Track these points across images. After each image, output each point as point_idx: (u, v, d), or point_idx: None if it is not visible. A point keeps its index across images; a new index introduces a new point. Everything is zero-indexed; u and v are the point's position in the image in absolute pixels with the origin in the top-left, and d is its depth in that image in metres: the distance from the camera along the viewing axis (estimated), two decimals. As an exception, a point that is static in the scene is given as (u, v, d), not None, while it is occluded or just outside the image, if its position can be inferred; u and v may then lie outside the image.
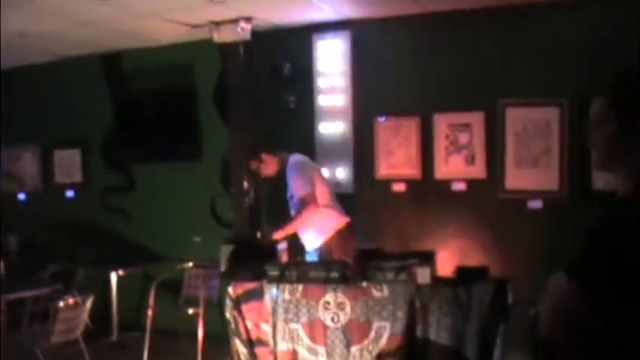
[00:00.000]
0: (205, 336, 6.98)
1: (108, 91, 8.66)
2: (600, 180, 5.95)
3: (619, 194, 2.17)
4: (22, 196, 9.52)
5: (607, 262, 2.04)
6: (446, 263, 5.26)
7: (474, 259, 6.08)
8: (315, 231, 6.00)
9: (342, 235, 5.98)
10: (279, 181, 6.17)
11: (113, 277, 7.88)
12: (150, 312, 7.29)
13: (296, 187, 5.88)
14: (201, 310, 7.04)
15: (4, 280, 7.40)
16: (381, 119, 6.96)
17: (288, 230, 5.85)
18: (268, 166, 6.09)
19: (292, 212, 6.03)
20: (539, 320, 2.23)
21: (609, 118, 2.19)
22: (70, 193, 9.13)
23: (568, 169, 6.23)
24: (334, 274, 4.79)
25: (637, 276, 2.00)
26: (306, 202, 5.80)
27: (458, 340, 4.63)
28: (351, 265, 4.95)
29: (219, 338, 6.57)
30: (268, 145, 6.17)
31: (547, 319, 2.21)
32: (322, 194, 5.96)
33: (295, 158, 6.14)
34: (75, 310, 6.02)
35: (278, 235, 5.89)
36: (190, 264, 7.43)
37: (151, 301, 7.33)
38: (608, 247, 2.07)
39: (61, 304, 5.93)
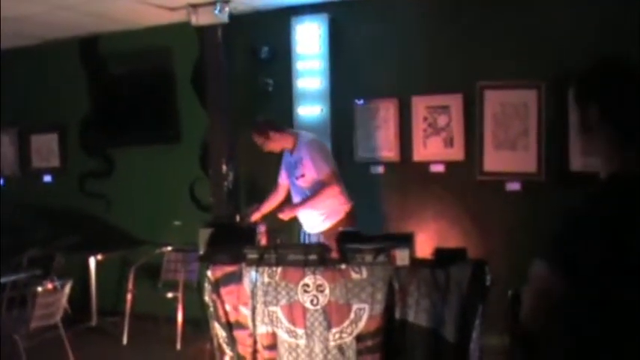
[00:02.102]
0: (184, 320, 7.00)
1: (85, 75, 8.59)
2: (578, 162, 5.98)
3: (601, 176, 2.18)
4: (-2, 181, 9.46)
5: (582, 247, 2.04)
6: (424, 245, 5.28)
7: (453, 241, 6.10)
8: (323, 214, 5.99)
9: (349, 219, 5.98)
10: (258, 163, 6.16)
11: (92, 262, 7.86)
12: (129, 296, 7.30)
13: (317, 167, 5.83)
14: (180, 294, 7.06)
15: (-19, 266, 7.35)
16: (360, 102, 6.95)
17: (302, 208, 5.88)
18: (274, 143, 6.02)
19: (296, 191, 6.04)
20: (521, 306, 2.24)
21: (589, 105, 2.19)
22: (47, 178, 9.08)
23: (546, 151, 6.24)
24: (313, 257, 4.79)
25: (612, 260, 2.00)
26: (328, 183, 5.81)
27: (436, 322, 4.65)
28: (330, 248, 4.96)
29: (199, 322, 6.60)
30: (276, 123, 6.14)
31: (526, 305, 2.22)
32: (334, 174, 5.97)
33: (310, 135, 6.14)
34: (53, 296, 5.99)
35: (285, 214, 5.90)
36: (169, 248, 7.44)
37: (130, 285, 7.33)
38: (583, 230, 2.07)
39: (40, 289, 5.91)
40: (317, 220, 6.00)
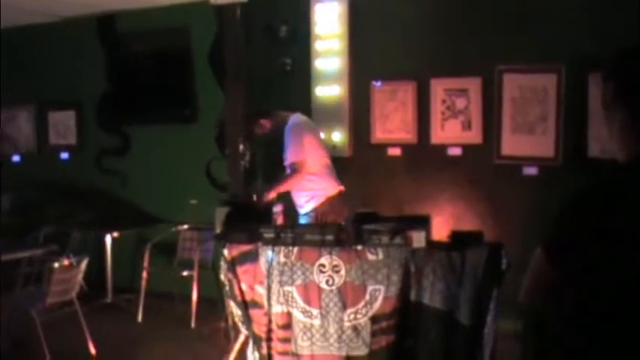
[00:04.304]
0: (199, 298, 7.03)
1: (103, 53, 8.60)
2: (596, 147, 5.95)
3: (617, 158, 2.18)
4: (16, 158, 9.50)
5: (574, 233, 2.04)
6: (440, 228, 5.27)
7: (468, 224, 6.10)
8: (306, 195, 6.03)
9: (333, 202, 6.00)
10: (275, 143, 6.16)
11: (108, 239, 7.90)
12: (144, 274, 7.34)
13: (288, 152, 5.89)
14: (195, 273, 7.09)
15: (-1, 241, 7.40)
16: (377, 84, 6.93)
17: (274, 191, 5.88)
18: (269, 129, 6.08)
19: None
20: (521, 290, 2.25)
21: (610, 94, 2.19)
22: (64, 155, 9.13)
23: (564, 136, 6.21)
24: (329, 237, 4.78)
25: (606, 246, 1.99)
26: (295, 169, 5.85)
27: (451, 305, 4.64)
28: (347, 229, 4.95)
29: (213, 301, 6.64)
30: (265, 110, 6.15)
31: (522, 286, 2.23)
32: (319, 158, 5.97)
33: (294, 120, 6.12)
34: (70, 272, 6.03)
35: (267, 196, 5.92)
36: (185, 226, 7.47)
37: (146, 263, 7.37)
38: (574, 216, 2.06)
39: (56, 265, 5.94)
40: (301, 201, 6.10)
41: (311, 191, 6.01)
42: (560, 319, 2.17)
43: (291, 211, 5.62)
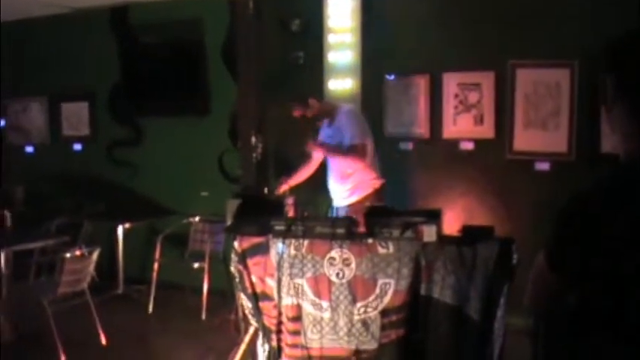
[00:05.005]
0: (210, 290, 7.04)
1: (116, 45, 8.61)
2: (609, 143, 5.92)
3: (620, 155, 2.10)
4: (29, 149, 9.54)
5: (574, 238, 1.99)
6: (452, 222, 5.25)
7: (480, 219, 6.08)
8: (350, 187, 5.99)
9: (377, 195, 5.98)
10: (287, 135, 6.16)
11: (120, 231, 7.92)
12: (155, 265, 7.35)
13: (355, 133, 5.80)
14: (206, 265, 7.10)
15: (11, 232, 7.44)
16: (390, 77, 6.92)
17: (330, 152, 5.90)
18: (312, 111, 6.01)
19: (332, 166, 6.07)
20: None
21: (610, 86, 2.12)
22: (77, 147, 9.15)
23: (577, 132, 6.19)
24: (340, 230, 4.78)
25: (608, 250, 1.94)
26: (358, 150, 5.80)
27: (461, 299, 4.63)
28: (357, 222, 4.95)
29: (224, 293, 6.65)
30: (315, 94, 6.19)
31: (527, 292, 2.20)
32: (372, 147, 5.96)
33: (349, 107, 6.12)
34: (81, 262, 6.05)
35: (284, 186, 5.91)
36: (197, 218, 7.48)
37: (157, 254, 7.39)
38: (573, 220, 2.02)
39: (68, 255, 5.97)
40: (344, 193, 5.99)
41: (357, 182, 5.97)
42: (563, 323, 2.15)
43: (302, 204, 5.58)
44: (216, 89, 7.87)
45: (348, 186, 5.98)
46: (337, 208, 6.07)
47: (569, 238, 2.01)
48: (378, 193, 5.98)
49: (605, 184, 2.05)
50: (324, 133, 6.12)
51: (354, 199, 5.96)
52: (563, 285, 2.05)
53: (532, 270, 2.15)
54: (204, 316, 6.94)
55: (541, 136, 6.34)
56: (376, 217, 4.82)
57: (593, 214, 1.97)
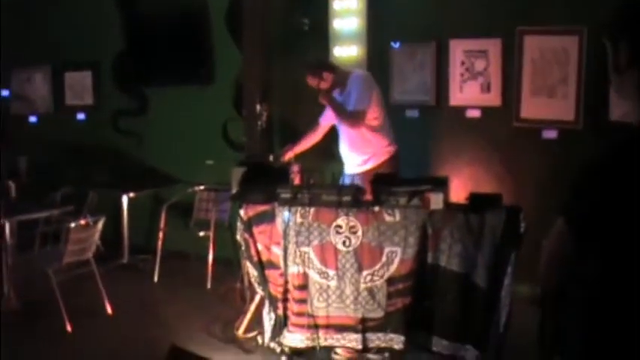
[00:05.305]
0: (215, 259, 7.03)
1: (120, 13, 8.53)
2: (617, 111, 5.86)
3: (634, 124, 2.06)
4: (32, 119, 9.49)
5: (601, 205, 1.96)
6: (458, 190, 5.23)
7: (486, 187, 6.03)
8: (362, 154, 5.94)
9: (391, 162, 5.93)
10: (292, 102, 6.10)
11: (124, 200, 7.89)
12: (160, 234, 7.34)
13: (355, 99, 5.72)
14: (211, 233, 7.08)
15: (15, 202, 7.42)
16: (395, 45, 6.86)
17: (337, 110, 5.79)
18: (328, 83, 5.86)
19: (344, 134, 6.00)
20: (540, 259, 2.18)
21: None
22: (81, 116, 9.10)
23: (585, 100, 6.12)
24: (347, 198, 4.77)
25: (631, 218, 1.91)
26: (355, 117, 5.72)
27: (468, 267, 4.63)
28: (364, 189, 4.93)
29: (229, 261, 6.64)
30: (327, 63, 6.07)
31: (541, 261, 2.17)
32: (378, 114, 5.88)
33: (362, 72, 6.03)
34: (86, 232, 6.04)
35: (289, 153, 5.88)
36: (201, 187, 7.45)
37: (162, 223, 7.37)
38: (602, 185, 1.98)
39: (73, 225, 5.95)
40: (358, 160, 5.94)
41: (370, 151, 5.91)
42: (580, 290, 2.11)
43: (307, 171, 5.54)
44: (221, 57, 7.79)
45: (365, 153, 5.91)
46: (349, 176, 6.00)
47: (591, 203, 1.98)
48: (392, 159, 5.93)
49: (622, 149, 2.01)
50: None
51: (369, 166, 5.89)
52: (584, 251, 2.02)
53: (549, 237, 2.11)
54: (209, 285, 6.92)
55: (548, 104, 6.28)
56: (383, 185, 4.80)
57: (613, 178, 1.94)
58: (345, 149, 6.03)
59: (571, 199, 2.04)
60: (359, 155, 5.95)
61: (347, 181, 5.97)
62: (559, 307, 2.26)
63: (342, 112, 5.76)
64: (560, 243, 2.06)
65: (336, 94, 5.88)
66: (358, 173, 5.96)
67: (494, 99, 6.49)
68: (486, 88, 6.51)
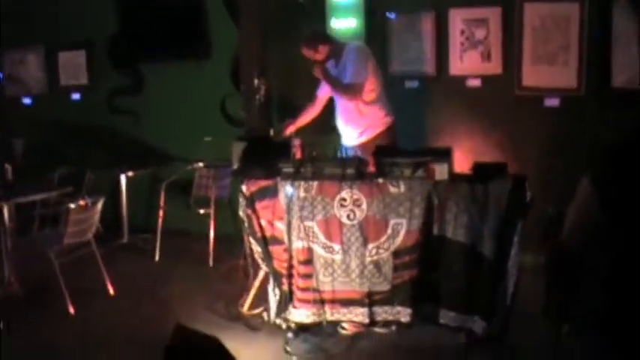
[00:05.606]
0: (216, 236, 6.99)
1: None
2: (620, 78, 5.82)
3: None
4: (27, 100, 9.39)
5: (629, 166, 1.93)
6: (460, 160, 5.16)
7: (488, 157, 5.99)
8: (358, 127, 5.87)
9: (388, 133, 5.86)
10: (290, 76, 6.03)
11: (123, 179, 7.83)
12: (160, 213, 7.28)
13: (352, 72, 5.65)
14: (211, 210, 7.03)
15: (12, 184, 7.35)
16: (392, 16, 6.78)
17: (333, 83, 5.73)
18: (323, 55, 5.77)
19: (340, 107, 5.94)
20: (565, 224, 2.15)
21: None
22: (76, 96, 9.01)
23: (587, 67, 6.07)
24: (350, 171, 4.71)
25: None
26: (353, 90, 5.65)
27: (474, 238, 4.60)
28: (367, 162, 4.86)
29: (230, 238, 6.59)
30: (323, 35, 5.97)
31: (567, 223, 2.14)
32: (381, 85, 5.83)
33: (357, 44, 5.96)
34: (86, 212, 5.97)
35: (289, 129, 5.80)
36: (201, 164, 7.37)
37: (162, 202, 7.32)
38: (631, 149, 1.95)
39: (72, 206, 5.88)
40: (355, 132, 5.88)
41: (365, 123, 5.85)
42: (602, 258, 2.08)
43: (308, 145, 5.47)
44: (217, 32, 7.70)
45: (361, 126, 5.84)
46: (347, 148, 5.94)
47: (620, 166, 1.94)
48: (389, 130, 5.86)
49: None
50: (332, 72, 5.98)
51: (365, 138, 5.83)
52: (609, 215, 1.98)
53: (575, 201, 2.08)
54: (211, 263, 6.89)
55: (550, 72, 6.24)
56: (386, 157, 4.74)
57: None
58: (341, 122, 5.97)
59: (601, 161, 2.00)
60: (355, 127, 5.89)
61: (345, 153, 5.90)
62: (575, 273, 2.23)
63: (338, 85, 5.70)
64: (587, 206, 2.03)
65: (331, 65, 5.81)
66: (356, 145, 5.90)
67: (495, 68, 6.45)
68: (487, 56, 6.45)
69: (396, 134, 5.90)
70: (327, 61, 5.77)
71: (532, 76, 6.29)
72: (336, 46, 5.82)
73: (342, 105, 5.86)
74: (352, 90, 5.64)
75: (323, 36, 5.91)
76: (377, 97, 5.79)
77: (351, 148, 5.91)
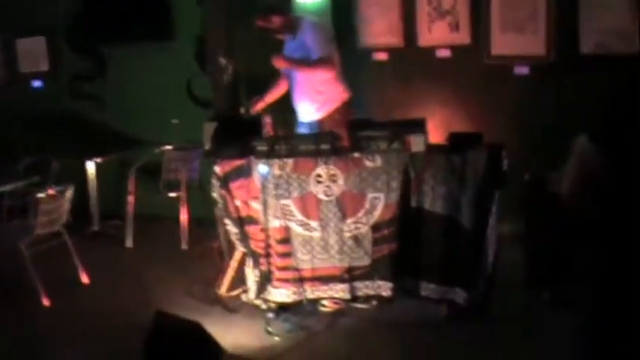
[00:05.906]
0: (189, 219, 6.91)
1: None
2: (589, 43, 5.81)
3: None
4: (-16, 90, 9.19)
5: (629, 126, 1.90)
6: (433, 132, 5.13)
7: (461, 127, 5.96)
8: (314, 102, 5.82)
9: (342, 111, 5.80)
10: (256, 54, 5.96)
11: (90, 166, 7.69)
12: (130, 198, 7.18)
13: (320, 46, 5.62)
14: (182, 193, 6.95)
15: (-24, 176, 7.20)
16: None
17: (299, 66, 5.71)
18: (278, 29, 5.81)
19: (295, 82, 5.90)
20: (563, 183, 2.12)
21: None
22: (37, 83, 8.83)
23: (555, 33, 6.05)
24: (325, 146, 4.66)
25: None
26: (325, 62, 5.61)
27: (453, 209, 4.60)
28: (342, 136, 4.80)
29: (202, 221, 6.51)
30: (278, 7, 5.92)
31: (567, 183, 2.11)
32: (338, 60, 5.79)
33: (313, 19, 5.94)
34: (56, 202, 5.85)
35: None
36: (169, 147, 7.26)
37: (131, 187, 7.21)
38: (631, 110, 1.93)
39: (41, 195, 5.76)
40: (312, 108, 5.84)
41: (322, 98, 5.80)
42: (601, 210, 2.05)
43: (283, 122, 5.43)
44: (180, 11, 7.56)
45: (317, 101, 5.81)
46: (305, 124, 5.90)
47: (624, 124, 1.91)
48: (346, 105, 5.84)
49: None
50: (289, 47, 5.94)
51: (322, 113, 5.79)
52: (611, 172, 1.95)
53: (572, 160, 2.05)
54: (185, 246, 6.81)
55: (519, 40, 6.20)
56: (360, 130, 4.70)
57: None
58: (298, 98, 5.93)
59: (599, 118, 1.97)
60: (312, 103, 5.87)
61: (303, 129, 5.90)
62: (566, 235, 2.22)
63: (303, 65, 5.69)
64: (585, 162, 2.00)
65: (289, 39, 5.83)
66: (313, 121, 5.88)
67: (463, 37, 6.41)
68: (455, 26, 6.41)
69: (352, 109, 5.88)
70: (281, 34, 5.82)
71: (501, 44, 6.26)
72: (290, 20, 5.83)
73: (299, 81, 5.82)
74: (324, 63, 5.62)
75: (276, 8, 5.88)
76: (337, 72, 5.76)
77: (308, 125, 5.86)
